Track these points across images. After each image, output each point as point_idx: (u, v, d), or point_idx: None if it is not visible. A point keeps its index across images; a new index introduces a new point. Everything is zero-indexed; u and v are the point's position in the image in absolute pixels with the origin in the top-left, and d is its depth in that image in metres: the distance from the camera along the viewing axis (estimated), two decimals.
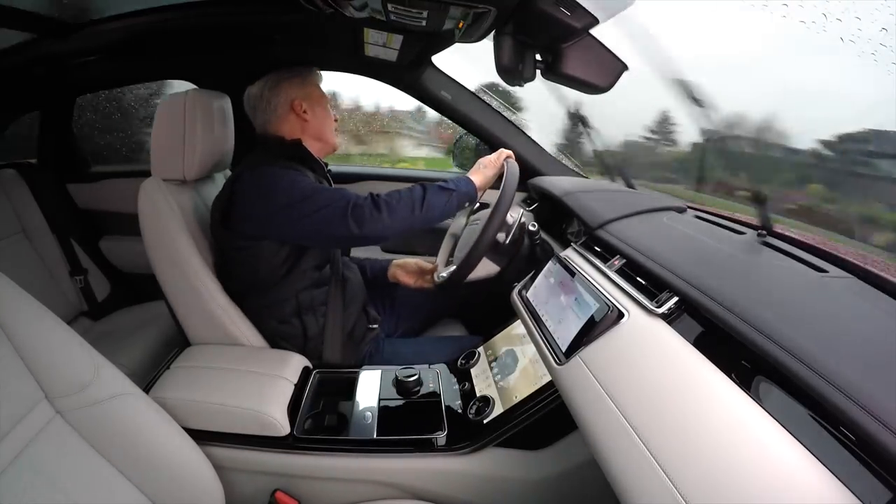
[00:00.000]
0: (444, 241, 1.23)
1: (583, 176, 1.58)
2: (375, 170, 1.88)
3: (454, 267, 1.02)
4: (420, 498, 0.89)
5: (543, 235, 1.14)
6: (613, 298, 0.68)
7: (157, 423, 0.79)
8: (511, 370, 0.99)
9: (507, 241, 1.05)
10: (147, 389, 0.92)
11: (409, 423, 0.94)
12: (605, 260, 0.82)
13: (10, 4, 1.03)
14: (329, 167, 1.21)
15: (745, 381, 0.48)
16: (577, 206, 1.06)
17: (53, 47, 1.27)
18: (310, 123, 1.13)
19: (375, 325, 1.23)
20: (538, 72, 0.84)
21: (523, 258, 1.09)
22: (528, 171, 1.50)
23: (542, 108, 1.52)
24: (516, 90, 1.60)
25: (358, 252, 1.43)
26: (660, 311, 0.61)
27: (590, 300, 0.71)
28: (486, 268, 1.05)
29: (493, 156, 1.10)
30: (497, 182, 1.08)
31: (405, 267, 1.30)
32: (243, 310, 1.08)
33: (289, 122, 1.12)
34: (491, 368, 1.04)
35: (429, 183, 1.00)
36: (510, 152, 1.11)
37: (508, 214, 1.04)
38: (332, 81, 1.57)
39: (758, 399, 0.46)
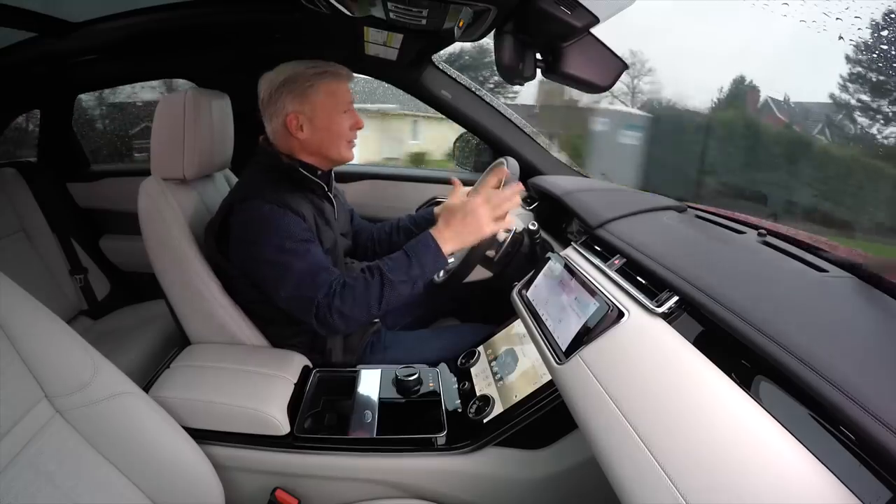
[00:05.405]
0: None
1: (583, 175, 1.57)
2: (375, 169, 1.87)
3: (452, 267, 1.02)
4: (420, 497, 0.89)
5: (543, 235, 1.14)
6: (613, 298, 0.68)
7: (157, 422, 0.79)
8: (511, 369, 0.99)
9: (497, 258, 1.00)
10: (147, 388, 0.92)
11: (409, 423, 0.94)
12: (605, 259, 0.81)
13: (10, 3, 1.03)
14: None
15: (744, 381, 0.48)
16: (577, 206, 1.05)
17: (54, 46, 1.27)
18: (307, 140, 1.02)
19: (376, 320, 1.23)
20: (539, 70, 0.84)
21: (523, 257, 1.09)
22: (528, 171, 1.50)
23: None
24: None
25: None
26: (660, 310, 0.61)
27: (590, 299, 0.71)
28: (480, 271, 1.04)
29: (480, 206, 0.90)
30: (496, 183, 1.08)
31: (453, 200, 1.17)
32: (247, 313, 1.08)
33: (284, 137, 1.03)
34: (491, 368, 1.04)
35: (388, 269, 0.89)
36: (511, 220, 0.94)
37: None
38: None
39: (757, 398, 0.46)
